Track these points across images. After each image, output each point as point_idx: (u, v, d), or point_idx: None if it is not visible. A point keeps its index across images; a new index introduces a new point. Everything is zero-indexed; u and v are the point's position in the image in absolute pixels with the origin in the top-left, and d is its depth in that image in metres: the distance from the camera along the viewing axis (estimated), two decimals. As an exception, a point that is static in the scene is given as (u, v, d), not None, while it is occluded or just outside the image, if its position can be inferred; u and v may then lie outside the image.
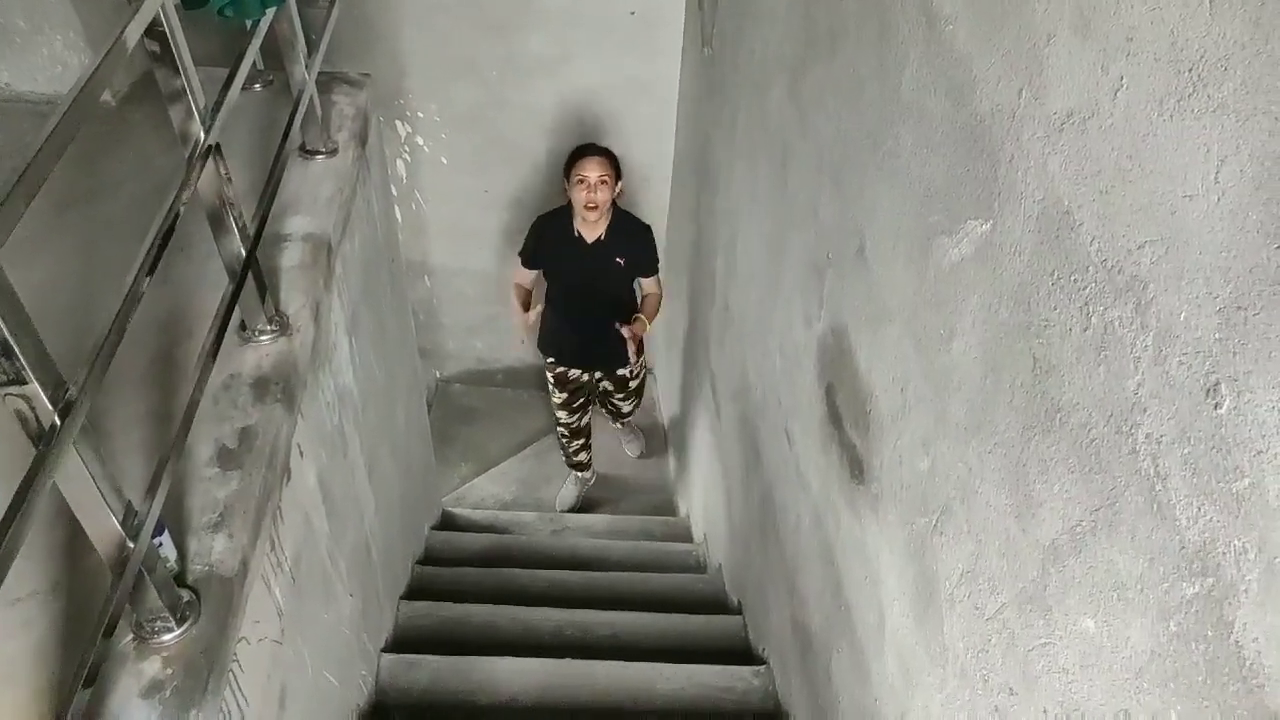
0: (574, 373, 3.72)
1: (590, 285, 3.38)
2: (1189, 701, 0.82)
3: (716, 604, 3.28)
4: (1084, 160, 0.95)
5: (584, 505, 4.46)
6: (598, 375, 3.79)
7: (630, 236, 3.33)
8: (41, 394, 0.93)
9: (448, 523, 4.03)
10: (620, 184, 3.24)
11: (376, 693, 2.46)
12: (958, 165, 1.25)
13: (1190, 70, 0.79)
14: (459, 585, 3.20)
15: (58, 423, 0.96)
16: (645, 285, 3.47)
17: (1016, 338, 1.11)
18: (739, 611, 3.06)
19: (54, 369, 0.95)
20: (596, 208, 3.16)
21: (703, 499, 3.75)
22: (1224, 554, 0.77)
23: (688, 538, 4.06)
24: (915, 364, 1.43)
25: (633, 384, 3.83)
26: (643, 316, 3.35)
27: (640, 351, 3.45)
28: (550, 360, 3.72)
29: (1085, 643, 0.98)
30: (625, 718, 2.37)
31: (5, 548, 0.86)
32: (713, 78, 3.10)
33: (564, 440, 4.13)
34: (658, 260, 3.42)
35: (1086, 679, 0.98)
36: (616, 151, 3.26)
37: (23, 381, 0.91)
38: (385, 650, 2.61)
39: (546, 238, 3.36)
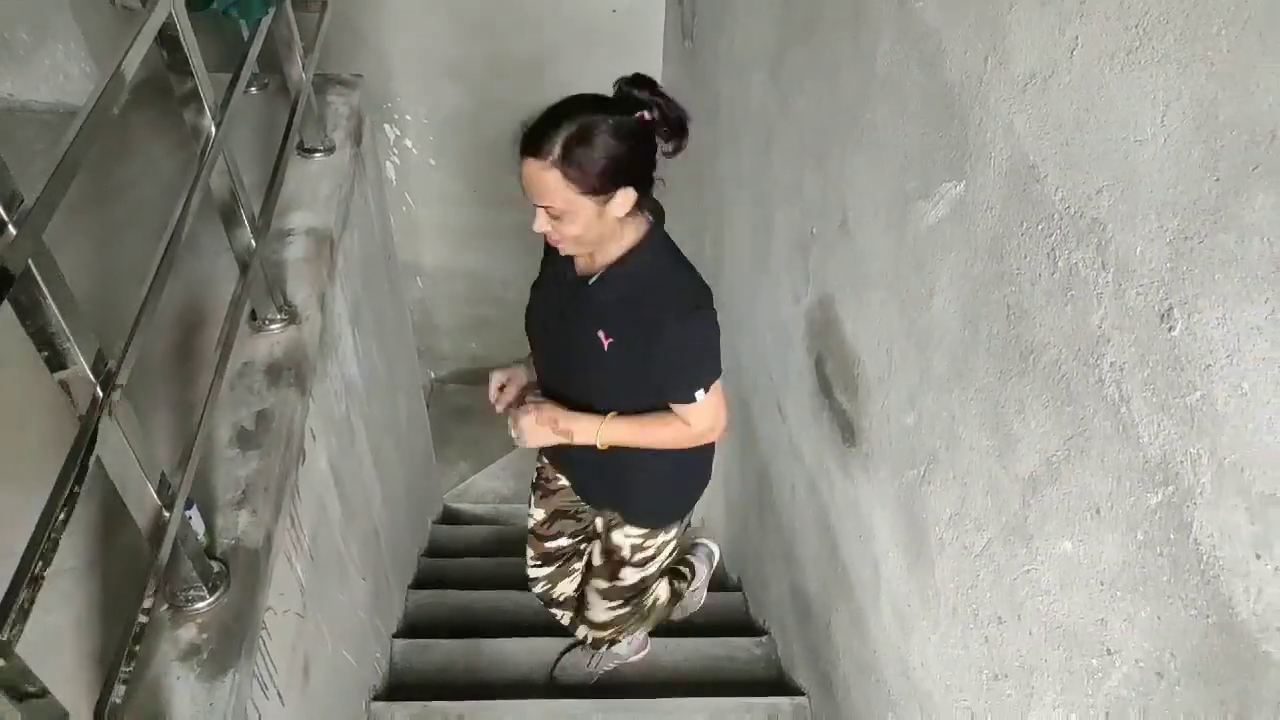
0: (561, 481, 1.99)
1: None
2: (1156, 601, 0.90)
3: (716, 582, 3.34)
4: (1046, 117, 1.03)
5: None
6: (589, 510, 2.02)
7: None
8: (86, 367, 1.00)
9: (450, 518, 4.10)
10: None
11: (391, 675, 2.52)
12: (931, 132, 1.33)
13: (1136, 26, 0.87)
14: (464, 574, 3.27)
15: (99, 394, 1.02)
16: None
17: (991, 289, 1.18)
18: (739, 588, 3.13)
19: (95, 343, 1.02)
20: None
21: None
22: (1181, 462, 0.85)
23: (686, 523, 4.13)
24: (899, 325, 1.50)
25: (634, 559, 1.94)
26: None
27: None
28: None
29: (1064, 563, 1.06)
30: (631, 690, 2.44)
31: (55, 522, 0.93)
32: (695, 69, 3.17)
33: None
34: None
35: (1066, 597, 1.06)
36: None
37: (68, 356, 0.98)
38: (396, 636, 2.67)
39: None
